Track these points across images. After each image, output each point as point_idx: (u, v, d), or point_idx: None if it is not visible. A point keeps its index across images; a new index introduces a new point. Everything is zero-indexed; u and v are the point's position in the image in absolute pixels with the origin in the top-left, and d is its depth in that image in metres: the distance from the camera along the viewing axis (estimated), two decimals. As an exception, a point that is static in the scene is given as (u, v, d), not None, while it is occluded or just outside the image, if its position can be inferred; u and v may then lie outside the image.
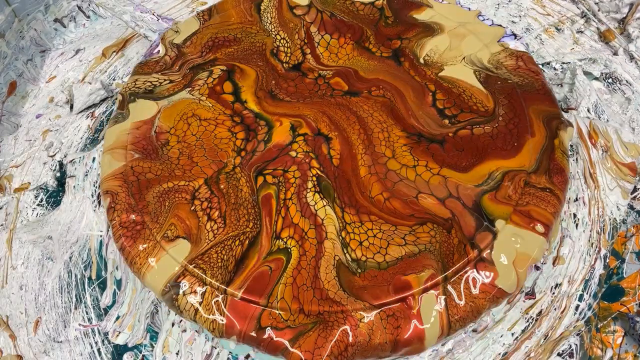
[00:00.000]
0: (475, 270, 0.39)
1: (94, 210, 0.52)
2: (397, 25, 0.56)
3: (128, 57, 0.64)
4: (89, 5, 0.70)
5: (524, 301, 0.45)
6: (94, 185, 0.53)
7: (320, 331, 0.37)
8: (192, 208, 0.44)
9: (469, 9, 0.56)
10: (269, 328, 0.38)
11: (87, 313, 0.47)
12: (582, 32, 0.61)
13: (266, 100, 0.51)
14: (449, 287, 0.39)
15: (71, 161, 0.56)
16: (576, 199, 0.49)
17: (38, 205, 0.54)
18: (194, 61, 0.54)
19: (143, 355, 0.45)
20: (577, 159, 0.50)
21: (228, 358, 0.44)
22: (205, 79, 0.52)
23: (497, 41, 0.53)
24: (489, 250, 0.40)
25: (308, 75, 0.53)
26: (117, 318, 0.46)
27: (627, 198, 0.49)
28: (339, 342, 0.37)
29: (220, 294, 0.39)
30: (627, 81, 0.57)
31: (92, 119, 0.59)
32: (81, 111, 0.60)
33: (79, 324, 0.47)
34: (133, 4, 0.68)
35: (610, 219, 0.48)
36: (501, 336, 0.44)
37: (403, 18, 0.56)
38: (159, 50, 0.55)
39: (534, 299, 0.45)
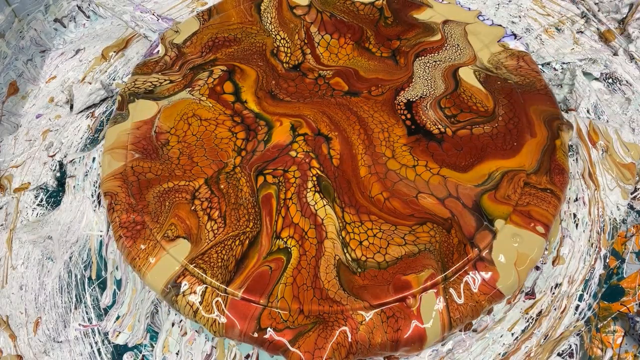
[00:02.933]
0: (474, 269, 0.39)
1: (94, 210, 0.52)
2: (397, 26, 0.56)
3: (128, 57, 0.65)
4: (89, 5, 0.70)
5: (524, 301, 0.45)
6: (94, 185, 0.53)
7: (320, 331, 0.37)
8: (192, 208, 0.44)
9: (469, 9, 0.57)
10: (269, 328, 0.38)
11: (87, 313, 0.47)
12: (582, 32, 0.61)
13: (266, 100, 0.51)
14: (449, 286, 0.39)
15: (71, 161, 0.56)
16: (576, 199, 0.49)
17: (38, 205, 0.54)
18: (194, 61, 0.54)
19: (143, 355, 0.45)
20: (577, 159, 0.51)
21: None
22: (206, 79, 0.53)
23: (497, 41, 0.53)
24: (488, 250, 0.40)
25: (308, 76, 0.53)
26: (117, 318, 0.46)
27: (627, 198, 0.49)
28: (340, 347, 0.37)
29: (220, 293, 0.39)
30: (627, 81, 0.57)
31: (92, 119, 0.59)
32: (81, 111, 0.60)
33: (79, 324, 0.47)
34: (133, 4, 0.68)
35: (610, 219, 0.48)
36: (501, 336, 0.44)
37: (403, 18, 0.56)
38: (158, 50, 0.55)
39: (534, 299, 0.45)
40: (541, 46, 0.61)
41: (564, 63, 0.59)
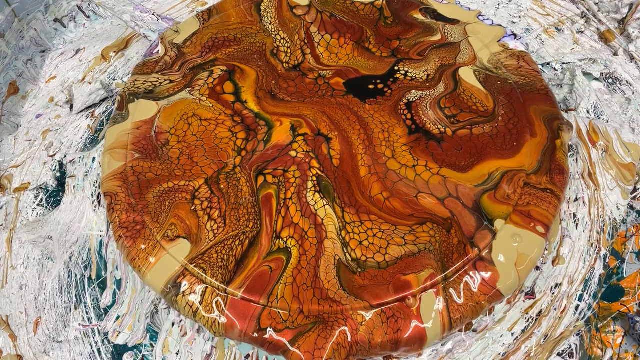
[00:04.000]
0: (474, 269, 0.39)
1: (94, 210, 0.52)
2: (397, 26, 0.56)
3: (128, 57, 0.65)
4: (89, 5, 0.70)
5: (524, 301, 0.45)
6: (94, 185, 0.53)
7: (320, 331, 0.37)
8: (193, 208, 0.44)
9: (469, 9, 0.57)
10: (269, 328, 0.38)
11: (87, 313, 0.47)
12: (582, 32, 0.61)
13: (266, 100, 0.51)
14: (449, 286, 0.39)
15: (71, 161, 0.56)
16: (576, 199, 0.49)
17: (38, 205, 0.54)
18: (194, 61, 0.54)
19: (143, 355, 0.45)
20: (577, 159, 0.51)
21: None
22: (206, 79, 0.53)
23: (497, 41, 0.53)
24: (488, 250, 0.40)
25: (308, 76, 0.53)
26: (117, 318, 0.46)
27: (627, 198, 0.49)
28: (340, 348, 0.37)
29: (220, 293, 0.39)
30: (627, 81, 0.57)
31: (92, 119, 0.59)
32: (81, 111, 0.60)
33: (79, 324, 0.47)
34: (133, 4, 0.68)
35: (610, 219, 0.48)
36: (501, 336, 0.44)
37: (403, 18, 0.56)
38: (158, 50, 0.55)
39: (534, 299, 0.45)
40: (541, 46, 0.61)
41: (564, 63, 0.59)
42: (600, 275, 0.46)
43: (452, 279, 0.39)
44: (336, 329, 0.37)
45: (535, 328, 0.44)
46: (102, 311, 0.47)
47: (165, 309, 0.46)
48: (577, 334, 0.43)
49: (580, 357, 0.42)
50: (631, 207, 0.49)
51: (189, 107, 0.50)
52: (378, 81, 0.51)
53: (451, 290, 0.39)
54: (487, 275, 0.39)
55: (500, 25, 0.54)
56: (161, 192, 0.45)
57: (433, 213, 0.42)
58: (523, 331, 0.44)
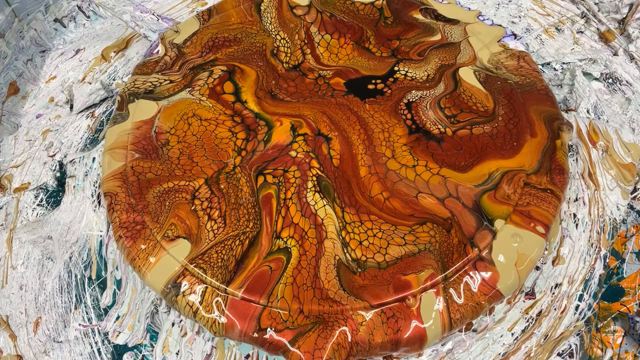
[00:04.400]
0: (474, 269, 0.39)
1: (94, 210, 0.52)
2: (397, 26, 0.56)
3: (128, 57, 0.65)
4: (89, 5, 0.70)
5: (524, 301, 0.45)
6: (94, 185, 0.53)
7: (320, 331, 0.37)
8: (193, 208, 0.44)
9: (469, 9, 0.57)
10: (269, 328, 0.38)
11: (87, 313, 0.47)
12: (582, 32, 0.61)
13: (266, 100, 0.51)
14: (449, 286, 0.39)
15: (71, 161, 0.56)
16: (576, 199, 0.49)
17: (38, 205, 0.54)
18: (194, 61, 0.54)
19: (143, 355, 0.45)
20: (577, 159, 0.51)
21: None
22: (206, 79, 0.53)
23: (497, 41, 0.53)
24: (488, 250, 0.40)
25: (308, 76, 0.53)
26: (117, 318, 0.46)
27: (627, 198, 0.49)
28: (340, 348, 0.37)
29: (220, 293, 0.39)
30: (627, 81, 0.57)
31: (92, 119, 0.59)
32: (81, 111, 0.60)
33: (79, 324, 0.47)
34: (133, 4, 0.68)
35: (610, 219, 0.48)
36: (501, 336, 0.44)
37: (403, 18, 0.56)
38: (158, 50, 0.55)
39: (534, 299, 0.45)
40: (541, 46, 0.61)
41: (564, 63, 0.59)
42: (600, 275, 0.46)
43: (452, 279, 0.39)
44: (336, 329, 0.37)
45: (535, 328, 0.44)
46: (102, 311, 0.47)
47: (166, 312, 0.46)
48: (577, 334, 0.43)
49: (580, 357, 0.42)
50: (631, 207, 0.49)
51: (189, 107, 0.50)
52: (378, 81, 0.51)
53: (451, 290, 0.39)
54: (487, 275, 0.39)
55: (500, 25, 0.54)
56: (161, 192, 0.45)
57: (433, 213, 0.42)
58: (523, 331, 0.44)
